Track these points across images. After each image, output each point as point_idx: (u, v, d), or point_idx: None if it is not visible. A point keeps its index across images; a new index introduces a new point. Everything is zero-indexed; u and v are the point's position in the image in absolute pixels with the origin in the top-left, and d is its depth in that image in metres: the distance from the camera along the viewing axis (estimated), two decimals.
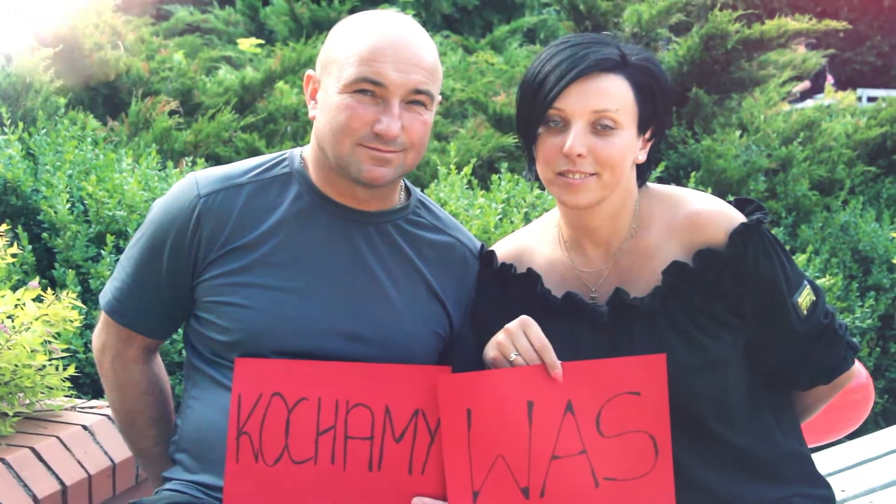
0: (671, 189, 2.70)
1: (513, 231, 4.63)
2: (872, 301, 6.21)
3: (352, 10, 11.72)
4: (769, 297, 2.53)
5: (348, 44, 2.51)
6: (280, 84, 7.25)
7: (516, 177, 5.38)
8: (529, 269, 2.69)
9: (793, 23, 6.44)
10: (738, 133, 6.77)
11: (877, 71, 40.94)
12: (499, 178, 5.39)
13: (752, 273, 2.51)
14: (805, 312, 2.55)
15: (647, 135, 2.61)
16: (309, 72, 2.60)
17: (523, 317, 2.48)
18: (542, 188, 5.74)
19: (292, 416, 2.47)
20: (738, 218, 2.55)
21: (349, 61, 2.48)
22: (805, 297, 2.56)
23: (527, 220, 4.85)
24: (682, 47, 6.60)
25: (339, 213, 2.61)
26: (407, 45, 2.53)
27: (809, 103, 12.61)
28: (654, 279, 2.57)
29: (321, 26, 10.66)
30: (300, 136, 6.91)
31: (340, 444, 2.47)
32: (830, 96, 19.20)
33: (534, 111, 2.56)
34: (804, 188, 6.53)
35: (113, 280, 2.69)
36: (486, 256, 2.76)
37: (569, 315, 2.61)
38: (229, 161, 6.38)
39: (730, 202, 2.64)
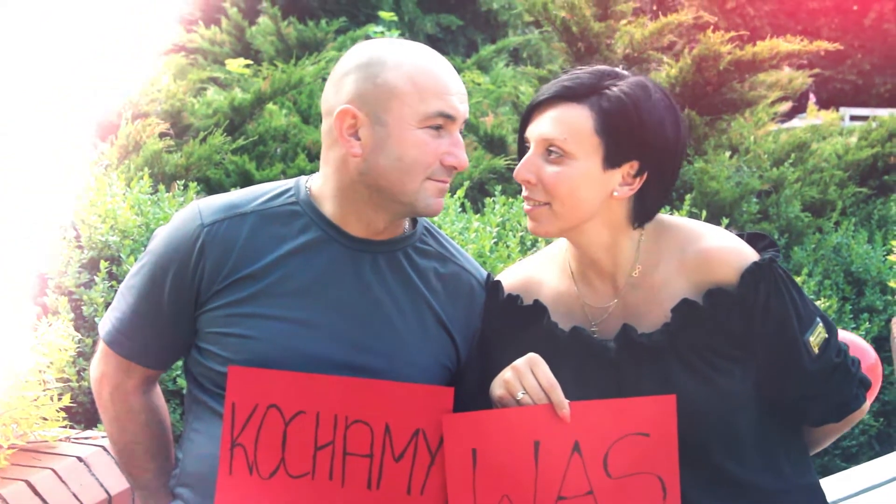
0: (682, 223, 2.64)
1: (508, 255, 4.62)
2: (866, 323, 6.19)
3: (338, 31, 11.73)
4: (780, 336, 2.48)
5: (412, 77, 2.48)
6: (270, 106, 7.21)
7: (510, 199, 5.35)
8: (536, 301, 2.65)
9: (784, 44, 6.43)
10: (727, 154, 6.76)
11: (857, 89, 41.14)
12: (492, 200, 5.36)
13: (762, 312, 2.46)
14: (816, 351, 2.50)
15: (630, 170, 2.51)
16: (345, 107, 2.50)
17: (531, 355, 2.43)
18: None
19: (289, 429, 2.43)
20: (751, 256, 2.50)
21: (423, 96, 2.46)
22: (817, 336, 2.51)
23: (522, 244, 4.81)
24: (673, 68, 6.58)
25: (349, 243, 2.57)
26: (456, 75, 2.55)
27: (797, 123, 12.64)
28: (663, 315, 2.52)
29: (308, 46, 10.61)
30: (290, 159, 6.86)
31: (339, 461, 2.43)
32: (813, 115, 19.31)
33: (519, 136, 2.58)
34: (796, 210, 6.51)
35: (113, 310, 2.64)
36: (493, 287, 2.71)
37: (575, 350, 2.56)
38: (220, 184, 6.39)
39: (740, 235, 2.60)
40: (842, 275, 6.46)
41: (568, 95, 2.49)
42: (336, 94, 2.53)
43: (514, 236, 4.86)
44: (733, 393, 2.49)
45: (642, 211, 2.57)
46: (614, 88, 2.49)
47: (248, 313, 2.52)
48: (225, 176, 6.37)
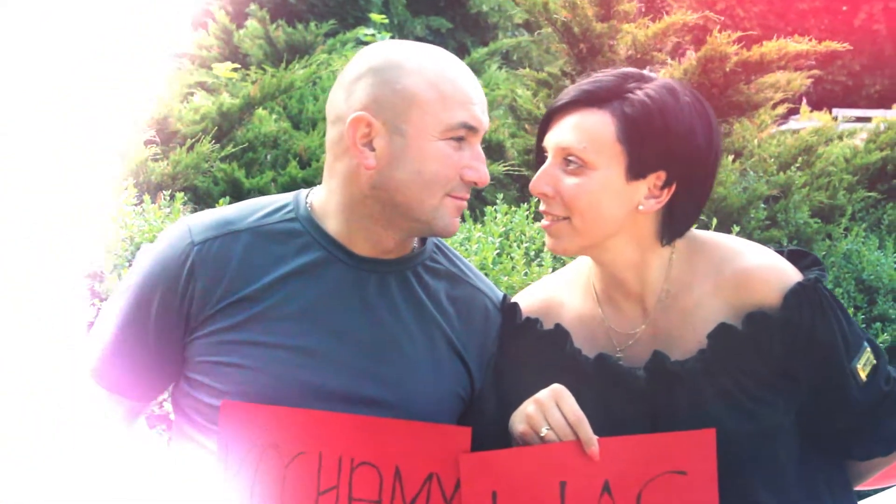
0: (717, 240, 2.42)
1: (512, 267, 4.41)
2: (880, 333, 6.00)
3: (328, 34, 11.52)
4: (825, 363, 2.27)
5: (435, 84, 2.28)
6: (259, 111, 6.97)
7: (512, 208, 5.13)
8: (557, 325, 2.44)
9: (793, 44, 6.23)
10: (730, 158, 6.57)
11: (847, 90, 41.21)
12: (494, 209, 5.14)
13: (807, 338, 2.25)
14: (864, 379, 2.29)
15: (657, 181, 2.31)
16: (360, 114, 2.29)
17: (556, 386, 2.21)
18: (537, 219, 5.50)
19: (289, 471, 2.22)
20: (794, 276, 2.29)
21: (446, 104, 2.26)
22: (865, 362, 2.30)
23: (527, 255, 4.59)
24: (677, 70, 6.37)
25: (354, 263, 2.35)
26: (478, 83, 2.35)
27: (795, 125, 12.47)
28: (697, 341, 2.31)
29: (297, 50, 10.40)
30: (280, 165, 6.63)
31: None
32: (807, 117, 19.15)
33: (537, 146, 2.40)
34: (805, 215, 6.31)
35: (93, 337, 2.40)
36: (510, 309, 2.50)
37: (601, 379, 2.35)
38: (208, 193, 6.16)
39: (780, 252, 2.39)
40: (853, 283, 6.29)
41: (588, 100, 2.30)
42: (347, 100, 2.32)
43: (519, 247, 4.64)
44: (775, 425, 2.29)
45: (671, 226, 2.35)
46: (638, 92, 2.29)
47: (243, 340, 2.30)
48: (213, 184, 6.14)
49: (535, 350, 2.44)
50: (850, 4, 40.31)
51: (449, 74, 2.30)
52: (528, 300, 2.54)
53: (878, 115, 23.80)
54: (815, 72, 6.94)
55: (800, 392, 2.30)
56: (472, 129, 2.29)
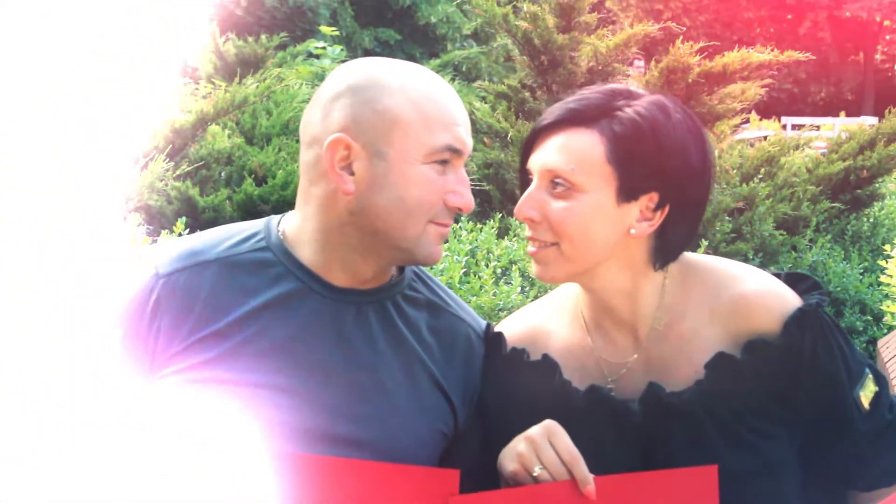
0: (712, 263, 2.30)
1: (480, 287, 4.27)
2: None
3: (279, 47, 11.35)
4: (827, 392, 2.14)
5: (418, 104, 2.13)
6: (212, 127, 6.79)
7: (478, 225, 4.99)
8: (545, 356, 2.30)
9: (756, 54, 6.15)
10: None
11: (793, 98, 41.61)
12: (458, 227, 4.99)
13: (809, 366, 2.13)
14: (867, 408, 2.16)
15: (649, 203, 2.19)
16: (338, 136, 2.14)
17: (548, 423, 2.07)
18: (501, 236, 5.37)
19: None
20: (794, 302, 2.17)
21: (430, 126, 2.11)
22: (867, 390, 2.18)
23: (495, 274, 4.46)
24: (640, 81, 6.27)
25: (330, 294, 2.20)
26: (461, 103, 2.20)
27: (747, 134, 12.46)
28: (693, 371, 2.18)
29: (248, 63, 10.21)
30: (236, 183, 6.45)
31: None
32: (756, 126, 19.23)
33: (521, 168, 2.26)
34: (770, 227, 6.22)
35: None
36: (494, 339, 2.36)
37: (593, 412, 2.22)
38: (162, 213, 5.98)
39: (777, 276, 2.27)
40: None
41: (574, 119, 2.16)
42: (324, 120, 2.17)
43: (486, 266, 4.50)
44: (779, 461, 2.16)
45: (665, 250, 2.23)
46: (627, 109, 2.15)
47: (215, 378, 2.14)
48: (167, 203, 5.95)
49: (522, 382, 2.31)
50: (796, 13, 40.72)
51: (432, 94, 2.16)
52: (513, 329, 2.41)
53: (826, 122, 24.07)
54: (769, 80, 6.87)
55: (802, 423, 2.18)
56: (456, 151, 2.15)
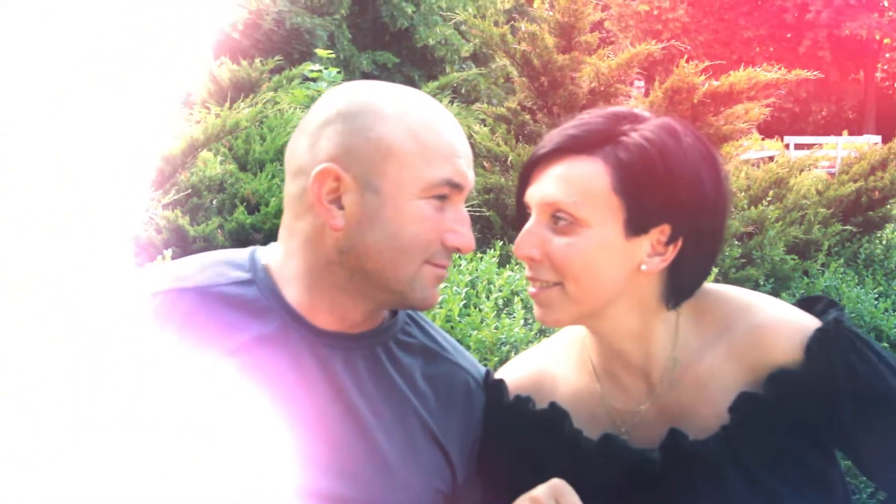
0: (724, 294, 2.09)
1: (481, 321, 4.04)
2: None
3: (274, 71, 11.16)
4: (876, 412, 1.91)
5: (415, 134, 1.94)
6: (204, 153, 6.57)
7: (478, 254, 4.77)
8: (552, 404, 2.09)
9: (763, 73, 5.94)
10: None
11: (795, 117, 41.52)
12: (457, 256, 4.75)
13: (849, 389, 1.91)
14: None
15: (661, 237, 1.97)
16: (327, 166, 1.94)
17: (555, 481, 1.87)
18: (502, 264, 5.15)
19: None
20: (812, 324, 1.97)
21: (428, 158, 1.92)
22: None
23: (496, 306, 4.23)
24: (644, 103, 6.07)
25: (316, 337, 1.99)
26: (463, 133, 2.01)
27: (751, 154, 12.25)
28: (716, 416, 1.97)
29: (242, 87, 10.03)
30: (227, 211, 6.23)
31: None
32: (758, 145, 19.04)
33: (518, 201, 2.07)
34: (780, 252, 6.00)
35: None
36: (494, 387, 2.16)
37: (608, 464, 2.00)
38: (150, 243, 5.75)
39: (793, 303, 2.06)
40: None
41: (575, 147, 1.96)
42: (311, 149, 1.97)
43: (488, 298, 4.27)
44: None
45: (679, 287, 2.02)
46: (633, 134, 1.95)
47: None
48: (156, 233, 5.73)
49: (527, 434, 2.11)
50: (795, 32, 40.65)
51: (431, 123, 1.96)
52: (515, 375, 2.20)
53: (829, 140, 23.87)
54: (772, 100, 6.67)
55: (837, 470, 1.98)
56: (456, 186, 1.95)
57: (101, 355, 1.94)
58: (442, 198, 1.96)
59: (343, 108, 1.99)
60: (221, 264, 2.07)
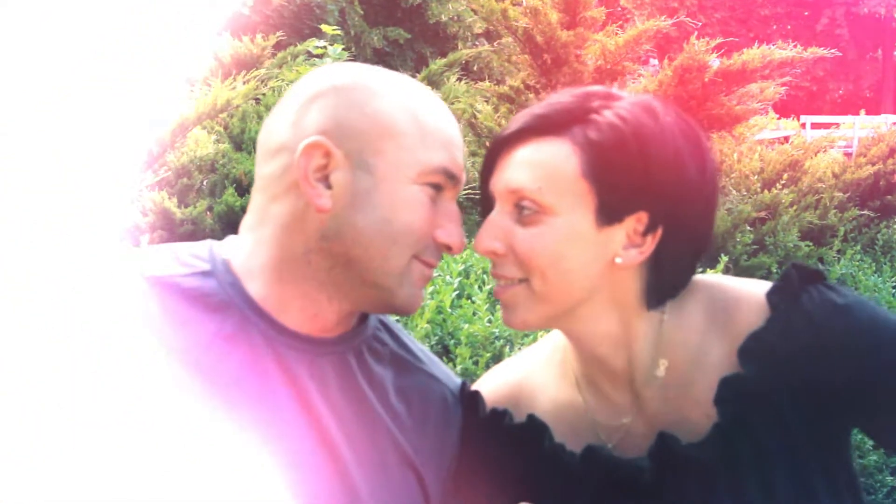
0: (707, 283, 1.85)
1: (473, 313, 3.81)
2: None
3: (277, 46, 10.95)
4: (873, 357, 1.67)
5: (414, 114, 1.74)
6: (196, 132, 6.33)
7: (472, 241, 4.52)
8: (531, 417, 1.87)
9: (778, 51, 5.68)
10: None
11: (812, 96, 41.22)
12: None
13: (821, 338, 1.67)
14: None
15: (637, 225, 1.73)
16: (316, 139, 1.72)
17: None
18: None
19: None
20: (768, 283, 1.75)
21: (427, 141, 1.72)
22: None
23: (489, 298, 3.99)
24: (652, 81, 5.81)
25: (280, 336, 1.76)
26: (458, 129, 1.82)
27: (767, 134, 12.01)
28: (705, 415, 1.74)
29: (245, 64, 9.81)
30: (218, 193, 6.00)
31: None
32: (773, 124, 18.78)
33: (482, 190, 1.83)
34: (794, 238, 5.75)
35: None
36: (470, 399, 1.93)
37: (594, 478, 1.78)
38: (135, 227, 5.54)
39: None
40: None
41: (541, 128, 1.73)
42: (297, 124, 1.74)
43: (481, 288, 4.03)
44: (824, 490, 1.72)
45: (660, 284, 1.78)
46: (606, 112, 1.71)
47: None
48: (141, 216, 5.51)
49: (504, 449, 1.89)
50: (812, 9, 40.36)
51: (430, 107, 1.76)
52: (492, 387, 1.98)
53: (846, 120, 23.59)
54: (788, 79, 6.42)
55: (845, 469, 1.76)
56: (452, 178, 1.73)
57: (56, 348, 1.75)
58: (437, 188, 1.73)
59: (338, 83, 1.77)
60: (178, 252, 1.84)
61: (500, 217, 1.74)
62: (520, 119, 1.76)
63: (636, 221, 1.71)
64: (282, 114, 1.80)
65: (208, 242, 1.89)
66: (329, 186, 1.72)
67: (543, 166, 1.70)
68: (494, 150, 1.78)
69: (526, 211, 1.71)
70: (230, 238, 1.86)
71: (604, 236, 1.71)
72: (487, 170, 1.79)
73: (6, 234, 1.81)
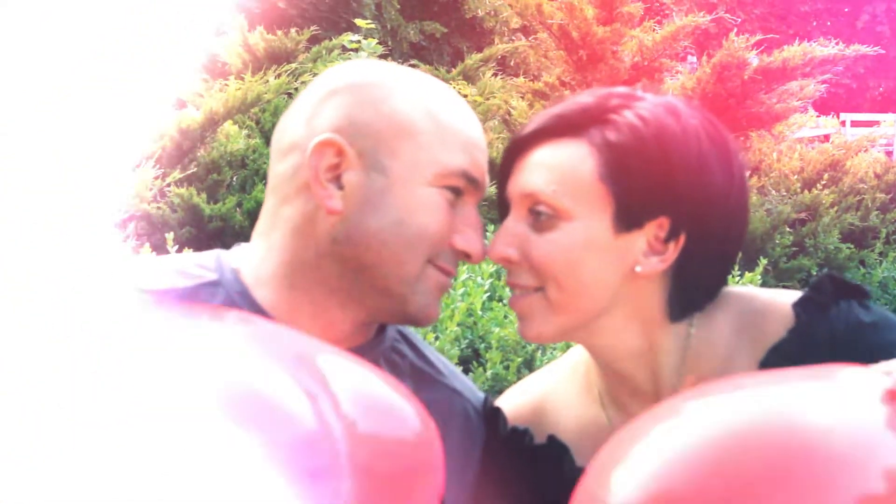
0: (737, 293, 1.75)
1: (505, 316, 3.70)
2: None
3: (311, 40, 10.89)
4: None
5: (433, 113, 1.64)
6: (227, 126, 6.25)
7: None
8: (551, 438, 1.77)
9: (819, 48, 5.55)
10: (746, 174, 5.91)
11: (852, 93, 40.83)
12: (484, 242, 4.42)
13: (842, 348, 1.58)
14: None
15: (658, 232, 1.62)
16: (329, 136, 1.62)
17: None
18: None
19: None
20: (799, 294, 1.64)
21: (447, 142, 1.61)
22: None
23: None
24: (690, 79, 5.68)
25: None
26: (482, 132, 1.71)
27: (807, 132, 11.84)
28: None
29: (279, 58, 9.74)
30: (248, 189, 5.93)
31: None
32: (813, 122, 18.55)
33: (499, 195, 1.74)
34: (835, 240, 5.62)
35: None
36: (492, 416, 1.83)
37: None
38: (164, 222, 5.47)
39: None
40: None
41: (558, 129, 1.61)
42: (310, 122, 1.64)
43: (512, 291, 3.93)
44: None
45: (684, 294, 1.66)
46: (626, 113, 1.59)
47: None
48: (170, 212, 5.43)
49: (524, 470, 1.78)
50: (853, 6, 39.98)
51: (451, 107, 1.65)
52: (514, 404, 1.87)
53: (887, 118, 23.31)
54: (829, 76, 6.27)
55: None
56: (472, 182, 1.62)
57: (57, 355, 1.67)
58: (456, 192, 1.63)
59: (354, 80, 1.68)
60: (184, 265, 1.76)
61: (514, 223, 1.64)
62: (537, 120, 1.66)
63: (657, 227, 1.61)
64: (297, 111, 1.71)
65: (216, 252, 1.80)
66: (341, 187, 1.63)
67: (559, 168, 1.60)
68: (511, 152, 1.68)
69: (541, 216, 1.61)
70: (239, 246, 1.78)
71: (622, 243, 1.61)
72: (504, 173, 1.69)
73: (6, 235, 1.74)
